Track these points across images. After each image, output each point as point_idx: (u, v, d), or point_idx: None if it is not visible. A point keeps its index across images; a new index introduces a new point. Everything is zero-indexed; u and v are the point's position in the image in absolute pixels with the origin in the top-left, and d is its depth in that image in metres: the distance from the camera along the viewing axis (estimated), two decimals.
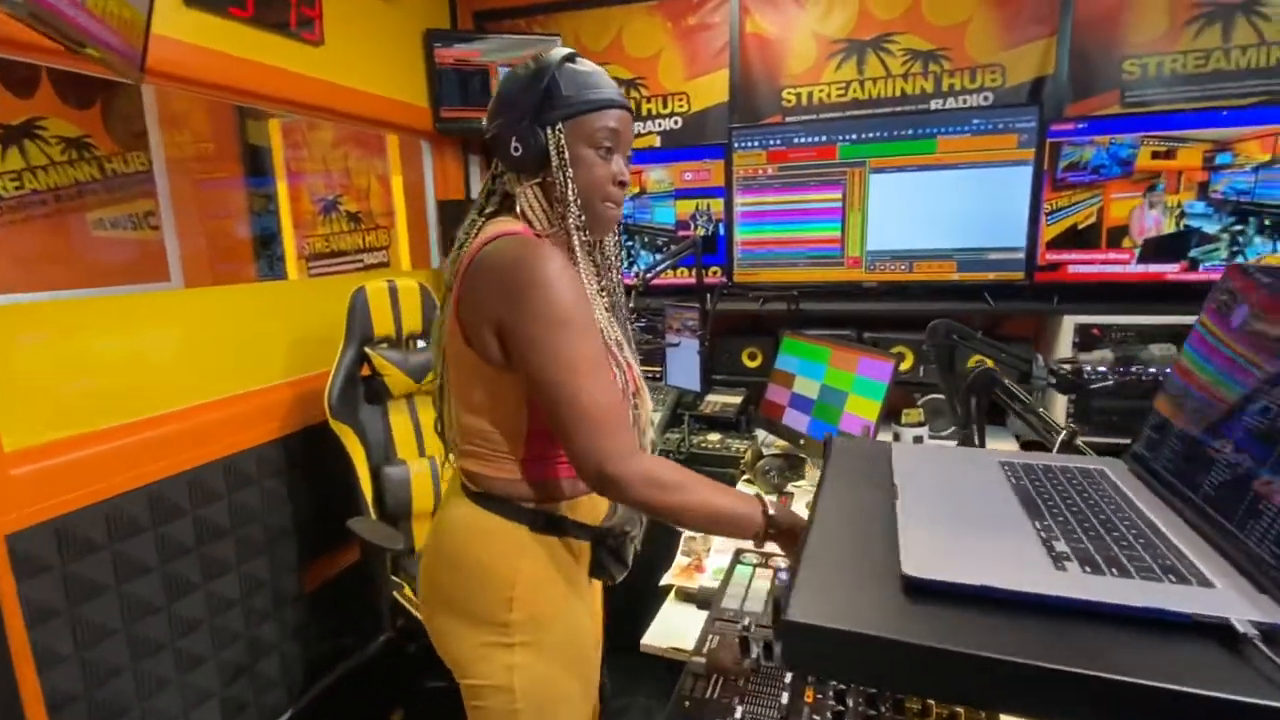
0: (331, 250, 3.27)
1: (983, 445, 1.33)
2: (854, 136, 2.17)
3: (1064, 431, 1.12)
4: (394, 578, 1.80)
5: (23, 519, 1.30)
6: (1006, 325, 2.27)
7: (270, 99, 1.92)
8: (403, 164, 2.98)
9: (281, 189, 3.25)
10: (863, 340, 2.16)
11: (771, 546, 0.92)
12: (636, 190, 2.50)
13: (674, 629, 1.21)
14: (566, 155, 0.90)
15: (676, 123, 2.57)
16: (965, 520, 0.64)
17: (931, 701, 0.77)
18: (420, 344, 2.06)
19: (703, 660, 0.86)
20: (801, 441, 1.88)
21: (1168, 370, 1.85)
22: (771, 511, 0.90)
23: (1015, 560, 0.55)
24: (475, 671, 0.98)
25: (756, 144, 2.27)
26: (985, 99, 2.22)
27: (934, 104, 2.27)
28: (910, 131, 2.12)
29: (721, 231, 2.43)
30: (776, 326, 2.26)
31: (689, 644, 1.16)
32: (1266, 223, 1.88)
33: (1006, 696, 0.47)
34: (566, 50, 0.93)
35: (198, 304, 1.86)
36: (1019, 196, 2.04)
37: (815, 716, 0.78)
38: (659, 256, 2.46)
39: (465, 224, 0.98)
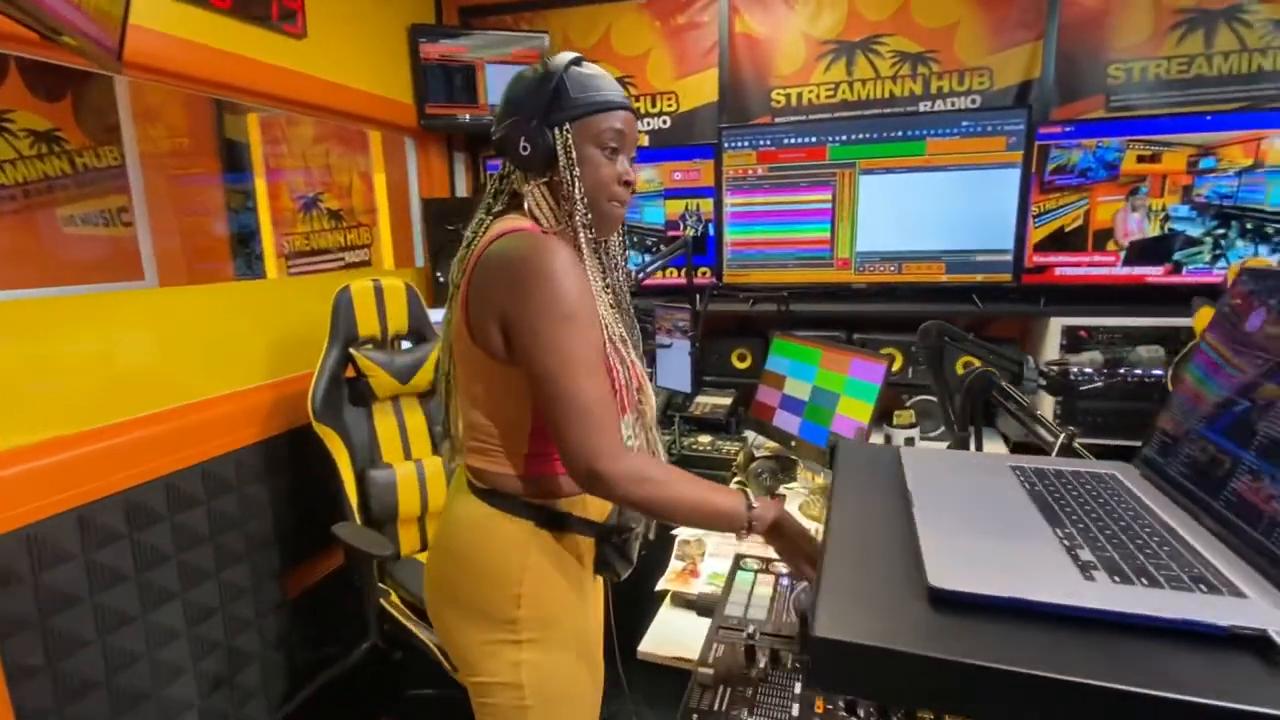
0: (312, 248, 3.20)
1: (980, 448, 1.33)
2: (844, 138, 2.17)
3: (1063, 434, 1.12)
4: (380, 584, 1.76)
5: None
6: (993, 327, 2.29)
7: (251, 93, 1.87)
8: (386, 161, 2.94)
9: (260, 185, 3.17)
10: (852, 341, 2.16)
11: (772, 551, 0.91)
12: None
13: (672, 636, 1.19)
14: (574, 155, 0.92)
15: (665, 122, 2.56)
16: (985, 528, 0.63)
17: (946, 716, 0.75)
18: (405, 344, 2.02)
19: (710, 671, 0.84)
20: (793, 443, 1.87)
21: (1154, 371, 1.87)
22: (754, 504, 0.92)
23: (1042, 570, 0.54)
24: (483, 669, 0.99)
25: (747, 144, 2.26)
26: (973, 102, 2.23)
27: (922, 106, 2.27)
28: (900, 133, 2.12)
29: (711, 232, 2.41)
30: (766, 328, 2.25)
31: (688, 651, 1.15)
32: (1248, 226, 1.91)
33: (1042, 714, 0.46)
34: (573, 54, 0.95)
35: (173, 303, 1.80)
36: (1007, 199, 2.05)
37: None
38: (649, 257, 2.44)
39: (473, 222, 0.99)
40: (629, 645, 1.21)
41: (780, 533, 0.93)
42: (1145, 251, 2.00)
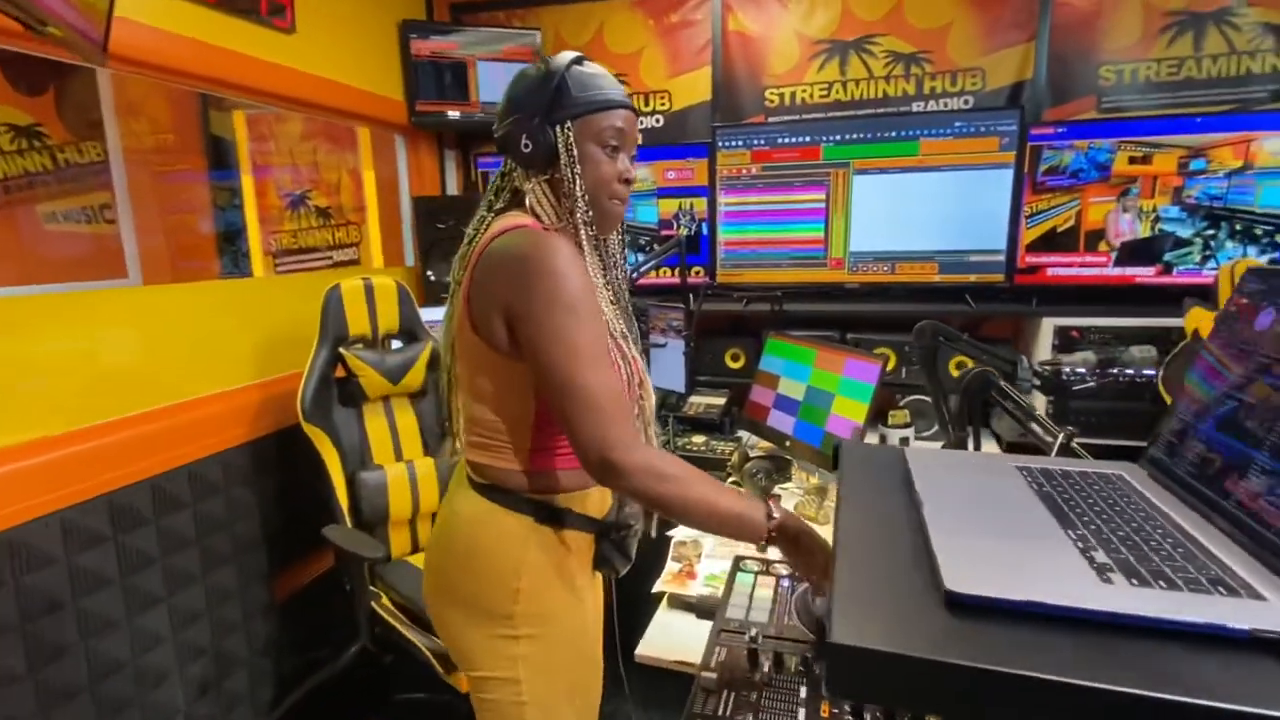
0: (300, 246, 3.16)
1: (978, 448, 1.33)
2: (838, 137, 2.17)
3: (1062, 434, 1.12)
4: (371, 587, 1.74)
5: None
6: (986, 327, 2.30)
7: (238, 87, 1.84)
8: (375, 158, 2.90)
9: (247, 183, 3.13)
10: (845, 341, 2.16)
11: (773, 552, 0.90)
12: None
13: (671, 638, 1.18)
14: (575, 152, 0.93)
15: (658, 121, 2.54)
16: (998, 531, 0.62)
17: None
18: (396, 344, 1.99)
19: (714, 675, 0.83)
20: (787, 443, 1.86)
21: (1146, 371, 1.87)
22: (777, 516, 0.89)
23: (1058, 573, 0.53)
24: (482, 664, 0.99)
25: (740, 143, 2.25)
26: (966, 102, 2.23)
27: (915, 106, 2.28)
28: (893, 133, 2.12)
29: (705, 231, 2.41)
30: (759, 327, 2.24)
31: (687, 654, 1.14)
32: (1238, 228, 1.93)
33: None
34: (575, 53, 0.96)
35: (157, 302, 1.76)
36: (1000, 199, 2.06)
37: None
38: (643, 256, 2.43)
39: (475, 220, 1.00)
40: (626, 646, 1.19)
41: (798, 546, 0.89)
42: (1136, 252, 2.02)
